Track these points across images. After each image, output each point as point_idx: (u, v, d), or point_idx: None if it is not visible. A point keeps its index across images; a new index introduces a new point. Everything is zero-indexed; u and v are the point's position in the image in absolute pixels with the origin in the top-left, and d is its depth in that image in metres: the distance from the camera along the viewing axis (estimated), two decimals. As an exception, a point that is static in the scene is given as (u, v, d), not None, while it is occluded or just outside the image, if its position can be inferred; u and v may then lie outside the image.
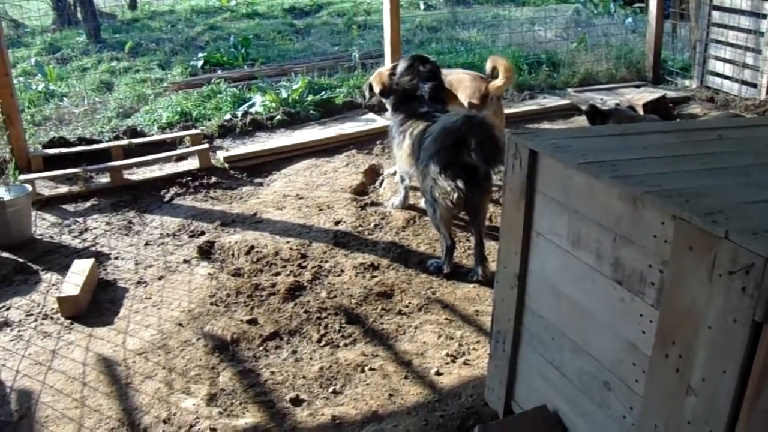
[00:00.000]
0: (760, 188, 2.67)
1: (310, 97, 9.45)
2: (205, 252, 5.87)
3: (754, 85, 9.70)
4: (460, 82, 6.80)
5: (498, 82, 6.71)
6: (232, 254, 5.80)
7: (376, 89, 6.60)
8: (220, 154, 7.88)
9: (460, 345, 4.53)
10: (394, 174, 6.94)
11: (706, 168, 2.86)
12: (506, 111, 9.07)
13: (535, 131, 3.28)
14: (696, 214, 2.28)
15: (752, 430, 2.22)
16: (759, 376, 2.16)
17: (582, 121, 8.82)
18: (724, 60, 10.15)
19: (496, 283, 3.47)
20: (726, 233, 2.17)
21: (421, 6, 17.44)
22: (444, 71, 6.91)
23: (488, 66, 6.93)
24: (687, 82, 10.81)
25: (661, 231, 2.43)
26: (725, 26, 10.06)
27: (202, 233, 6.24)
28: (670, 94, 9.88)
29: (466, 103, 6.67)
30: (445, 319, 4.82)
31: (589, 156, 2.85)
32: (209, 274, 5.52)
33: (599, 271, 2.75)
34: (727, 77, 10.19)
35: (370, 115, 8.82)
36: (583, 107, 7.74)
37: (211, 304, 5.07)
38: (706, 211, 2.31)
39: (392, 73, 6.43)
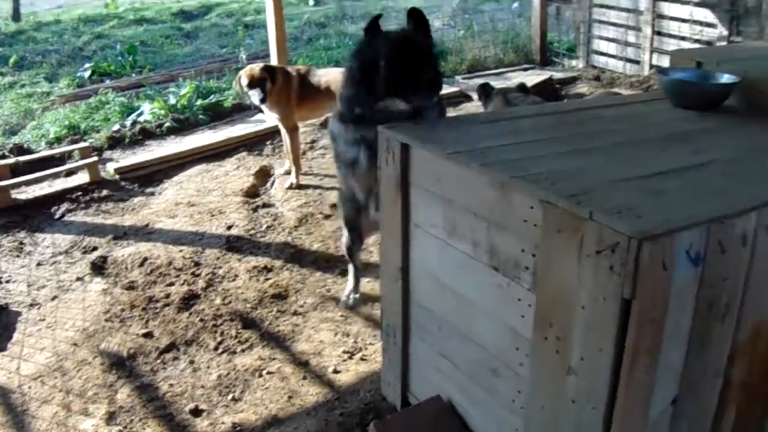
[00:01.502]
0: (629, 166, 2.73)
1: (198, 102, 9.34)
2: (98, 267, 5.74)
3: (638, 62, 9.95)
4: (338, 81, 6.68)
5: None
6: (126, 267, 5.68)
7: (244, 82, 6.62)
8: (111, 166, 7.72)
9: (356, 341, 4.53)
10: (286, 173, 6.92)
11: (576, 149, 2.91)
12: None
13: (408, 124, 3.29)
14: (561, 197, 2.31)
15: (630, 403, 2.27)
16: (632, 351, 2.20)
17: (471, 107, 8.91)
18: (608, 39, 10.40)
19: (381, 277, 3.48)
20: (590, 214, 2.20)
21: (311, 2, 17.39)
22: (319, 71, 6.95)
23: None
24: (574, 63, 11.01)
25: (531, 215, 2.45)
26: (606, 6, 10.30)
27: (95, 248, 6.10)
28: (557, 75, 10.05)
29: None
30: (341, 316, 4.81)
31: (459, 145, 2.87)
32: (103, 289, 5.40)
33: (476, 259, 2.77)
34: (611, 56, 10.45)
35: (260, 116, 8.75)
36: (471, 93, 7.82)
37: (106, 320, 4.96)
38: (572, 192, 2.34)
39: (264, 68, 6.57)
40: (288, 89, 6.77)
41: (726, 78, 3.66)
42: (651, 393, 2.31)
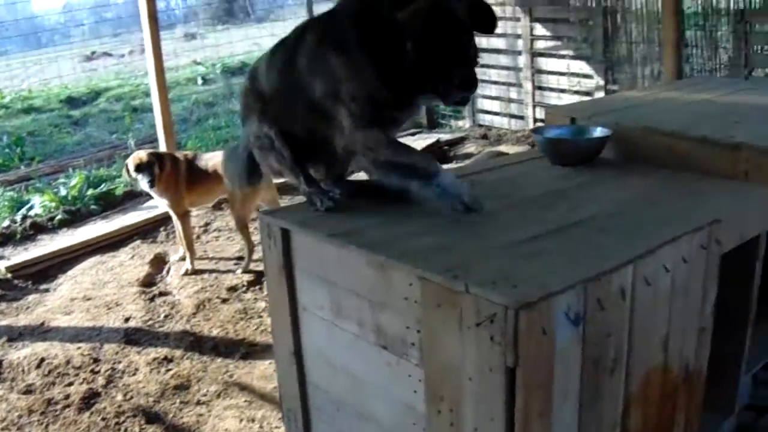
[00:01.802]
0: (506, 231, 2.75)
1: (90, 192, 9.20)
2: (-7, 373, 5.58)
3: (522, 117, 10.20)
4: None
5: None
6: (22, 370, 5.52)
7: (132, 167, 6.62)
8: (1, 264, 7.54)
9: (262, 426, 4.48)
10: (182, 259, 6.86)
11: (455, 219, 2.93)
12: (287, 178, 9.14)
13: (288, 207, 3.29)
14: (437, 272, 2.32)
15: (527, 470, 2.27)
16: (523, 417, 2.20)
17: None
18: (491, 97, 10.62)
19: (277, 362, 3.45)
20: (466, 287, 2.21)
21: (199, 82, 17.36)
22: (206, 155, 7.02)
23: None
24: (460, 123, 11.20)
25: (410, 292, 2.46)
26: (488, 66, 10.50)
27: (-11, 353, 5.94)
28: (445, 137, 10.20)
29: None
30: (245, 401, 4.75)
31: (338, 226, 2.87)
32: (-2, 396, 5.24)
33: (364, 338, 2.76)
34: (496, 113, 10.70)
35: (152, 203, 8.67)
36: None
37: (2, 429, 4.80)
38: (448, 266, 2.36)
39: (152, 154, 6.62)
40: (176, 175, 6.75)
41: (599, 131, 3.75)
42: (547, 456, 2.32)
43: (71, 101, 17.38)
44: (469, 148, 9.83)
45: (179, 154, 7.03)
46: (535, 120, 10.02)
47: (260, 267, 6.44)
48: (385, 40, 2.74)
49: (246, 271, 6.71)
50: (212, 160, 6.82)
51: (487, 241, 2.64)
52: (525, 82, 10.10)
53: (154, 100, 8.95)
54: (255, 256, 6.70)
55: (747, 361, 3.59)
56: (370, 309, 2.68)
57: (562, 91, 9.87)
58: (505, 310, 2.11)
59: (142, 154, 6.68)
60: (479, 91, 10.61)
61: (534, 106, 10.12)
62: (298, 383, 3.28)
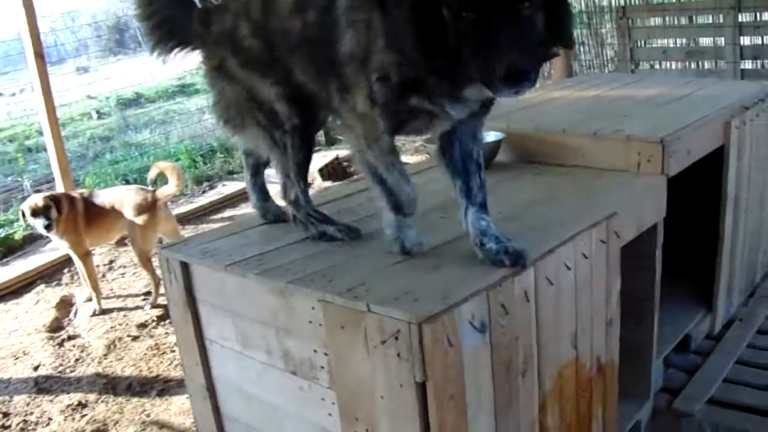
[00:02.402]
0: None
1: (-14, 239, 8.96)
2: None
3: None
4: (125, 199, 6.59)
5: (168, 189, 6.66)
6: (-72, 433, 5.34)
7: (27, 213, 6.40)
8: None
9: (184, 463, 4.40)
10: (88, 300, 6.73)
11: (353, 238, 2.92)
12: (189, 207, 9.07)
13: (186, 240, 3.21)
14: (337, 294, 2.31)
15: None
16: (439, 430, 2.20)
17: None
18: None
19: (190, 398, 3.40)
20: (368, 306, 2.21)
21: (94, 116, 17.05)
22: (101, 192, 6.90)
23: (151, 174, 6.92)
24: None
25: (314, 315, 2.44)
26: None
27: None
28: (343, 153, 10.17)
29: (133, 216, 6.51)
30: (162, 440, 4.67)
31: (236, 255, 2.84)
32: None
33: (273, 365, 2.74)
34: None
35: (53, 244, 8.48)
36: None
37: None
38: (348, 286, 2.35)
39: (47, 197, 6.39)
40: (74, 215, 6.60)
41: (492, 136, 3.78)
42: (469, 464, 2.32)
43: (-40, 145, 16.93)
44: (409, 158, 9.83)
45: (75, 194, 6.87)
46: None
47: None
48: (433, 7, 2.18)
49: (155, 305, 6.60)
50: (109, 196, 6.70)
51: (386, 258, 2.63)
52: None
53: (47, 139, 8.73)
54: (162, 290, 6.59)
55: (657, 346, 3.67)
56: (276, 336, 2.66)
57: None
58: (408, 325, 2.11)
59: (37, 199, 6.49)
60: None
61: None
62: (214, 417, 3.24)
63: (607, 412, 3.19)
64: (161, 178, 6.85)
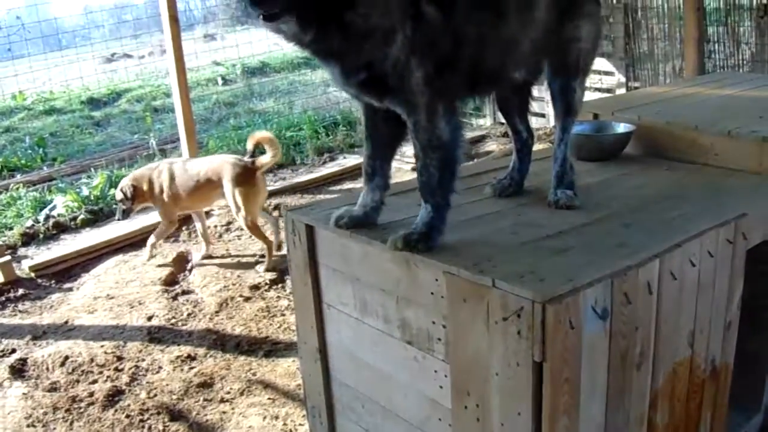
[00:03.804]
0: (531, 227, 2.76)
1: (112, 192, 9.19)
2: (18, 371, 5.59)
3: (543, 115, 10.11)
4: (224, 169, 6.80)
5: (265, 158, 6.82)
6: (47, 368, 5.55)
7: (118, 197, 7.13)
8: (26, 264, 7.57)
9: (285, 423, 4.47)
10: (205, 258, 6.90)
11: (480, 215, 2.93)
12: (308, 176, 9.17)
13: (311, 204, 3.25)
14: (464, 267, 2.33)
15: (555, 465, 2.27)
16: (550, 412, 2.21)
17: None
18: (512, 95, 10.55)
19: (301, 359, 3.46)
20: (493, 282, 2.22)
21: (219, 82, 17.37)
22: (197, 161, 7.22)
23: (249, 144, 7.04)
24: (481, 121, 11.15)
25: (437, 287, 2.46)
26: (508, 63, 10.46)
27: (13, 351, 5.95)
28: (466, 134, 10.16)
29: (234, 187, 6.71)
30: (269, 399, 4.75)
31: (363, 222, 2.87)
32: (23, 393, 5.25)
33: (389, 334, 2.77)
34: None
35: (174, 202, 8.73)
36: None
37: (28, 426, 4.82)
38: (474, 261, 2.36)
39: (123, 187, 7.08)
40: (158, 190, 7.03)
41: (622, 127, 3.74)
42: (574, 450, 2.32)
43: (92, 102, 17.43)
44: (490, 146, 9.81)
45: (164, 165, 7.23)
46: (557, 119, 9.96)
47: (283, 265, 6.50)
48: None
49: (268, 270, 6.79)
50: (206, 165, 6.97)
51: (511, 238, 2.64)
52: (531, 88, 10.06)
53: (176, 100, 8.98)
54: (278, 253, 6.86)
55: (774, 359, 3.57)
56: (396, 304, 2.69)
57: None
58: (532, 304, 2.11)
59: (117, 189, 7.15)
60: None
61: (556, 106, 10.05)
62: (323, 380, 3.29)
63: (716, 418, 3.14)
64: (258, 149, 6.98)
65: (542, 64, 3.08)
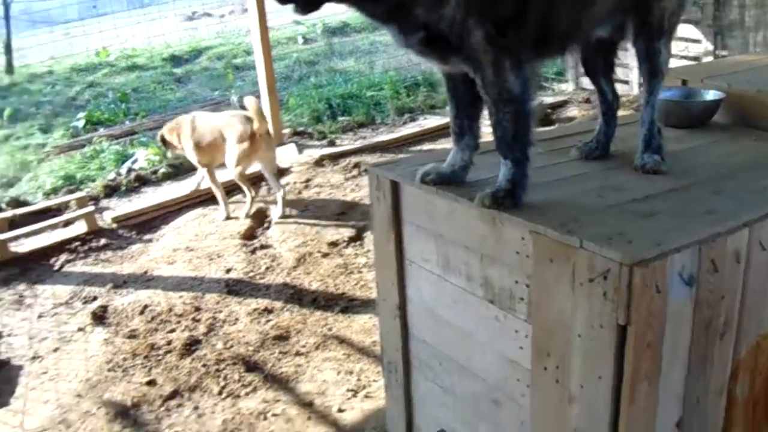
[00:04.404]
0: (618, 191, 2.73)
1: (192, 146, 9.35)
2: (99, 317, 5.74)
3: (626, 82, 9.98)
4: (229, 127, 7.22)
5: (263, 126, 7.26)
6: (126, 316, 5.68)
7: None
8: (108, 215, 7.73)
9: (360, 379, 4.52)
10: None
11: (565, 176, 2.91)
12: (389, 136, 9.18)
13: (400, 158, 3.25)
14: (551, 227, 2.31)
15: (633, 428, 2.26)
16: (631, 376, 2.19)
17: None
18: (596, 61, 10.41)
19: (380, 315, 3.47)
20: (580, 242, 2.20)
21: (299, 40, 17.41)
22: (216, 115, 7.62)
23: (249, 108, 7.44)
24: (563, 86, 11.04)
25: (522, 247, 2.45)
26: (592, 28, 10.32)
27: (95, 298, 6.11)
28: (548, 99, 10.08)
29: (235, 143, 7.13)
30: (343, 354, 4.81)
31: (449, 179, 2.87)
32: (104, 339, 5.40)
33: (471, 292, 2.77)
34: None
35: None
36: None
37: (109, 370, 4.96)
38: (561, 221, 2.34)
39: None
40: (183, 140, 7.59)
41: (712, 95, 3.67)
42: (654, 417, 2.30)
43: (174, 59, 17.61)
44: (572, 111, 9.71)
45: (188, 117, 7.73)
46: (640, 85, 9.79)
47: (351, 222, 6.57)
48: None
49: (248, 216, 7.35)
50: (218, 123, 7.39)
51: (598, 200, 2.61)
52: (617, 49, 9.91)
53: (257, 57, 9.06)
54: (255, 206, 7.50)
55: None
56: (479, 263, 2.68)
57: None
58: (619, 266, 2.10)
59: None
60: (569, 54, 10.47)
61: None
62: (401, 337, 3.30)
63: (799, 394, 3.09)
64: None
65: (625, 23, 3.03)
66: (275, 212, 7.25)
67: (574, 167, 3.04)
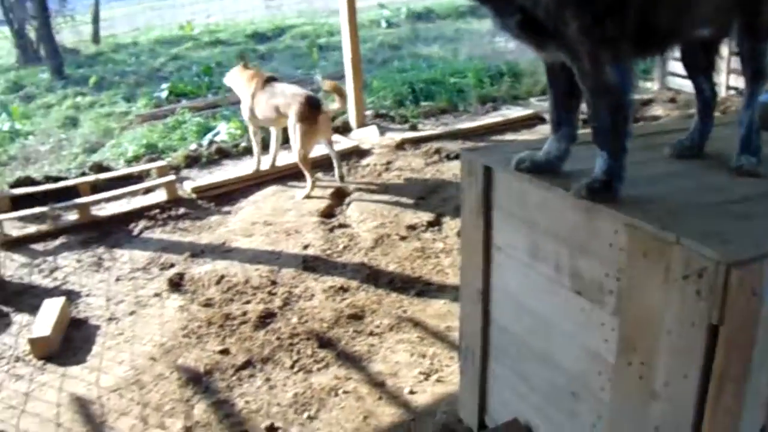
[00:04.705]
0: (712, 190, 2.70)
1: (274, 122, 9.44)
2: (176, 284, 5.83)
3: (714, 84, 9.79)
4: (293, 103, 7.32)
5: (334, 106, 7.52)
6: (203, 285, 5.76)
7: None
8: (187, 185, 7.84)
9: (432, 362, 4.52)
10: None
11: (660, 173, 2.88)
12: (470, 124, 9.16)
13: (488, 146, 3.23)
14: (647, 221, 2.29)
15: (716, 431, 2.23)
16: (719, 378, 2.17)
17: (545, 130, 8.86)
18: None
19: (461, 300, 3.48)
20: (677, 238, 2.18)
21: (383, 24, 17.46)
22: (281, 86, 7.69)
23: (325, 87, 7.81)
24: (649, 85, 10.89)
25: (615, 239, 2.43)
26: (682, 28, 10.15)
27: (172, 265, 6.21)
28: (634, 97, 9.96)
29: (296, 122, 7.26)
30: (417, 337, 4.80)
31: (546, 168, 2.86)
32: (180, 306, 5.48)
33: (559, 282, 2.76)
34: (686, 77, 10.28)
35: (335, 136, 8.82)
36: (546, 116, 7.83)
37: (183, 336, 5.03)
38: (657, 216, 2.32)
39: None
40: (246, 91, 7.85)
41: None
42: (738, 420, 2.27)
43: (256, 36, 17.83)
44: (656, 110, 9.57)
45: (261, 77, 7.83)
46: (728, 87, 9.62)
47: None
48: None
49: (306, 197, 7.40)
50: (283, 93, 7.51)
51: (695, 199, 2.59)
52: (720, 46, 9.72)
53: (344, 38, 9.11)
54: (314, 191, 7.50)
55: None
56: (570, 253, 2.67)
57: (761, 57, 9.44)
58: (716, 265, 2.07)
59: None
60: (670, 53, 10.32)
61: (728, 73, 9.67)
62: (482, 322, 3.31)
63: None
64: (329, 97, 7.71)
65: (730, 22, 2.98)
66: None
67: (668, 165, 3.01)
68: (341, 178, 7.66)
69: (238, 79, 7.93)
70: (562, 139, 2.85)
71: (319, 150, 8.01)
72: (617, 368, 2.53)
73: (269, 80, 7.73)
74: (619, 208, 2.44)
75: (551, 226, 2.76)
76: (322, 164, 8.00)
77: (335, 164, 7.71)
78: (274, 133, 7.96)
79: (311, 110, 7.23)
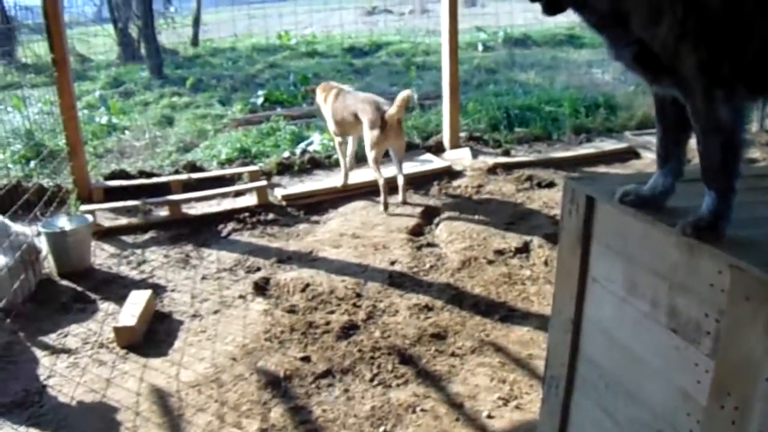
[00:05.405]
0: (821, 238, 2.65)
1: (366, 136, 9.52)
2: (261, 288, 5.92)
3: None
4: (365, 110, 7.57)
5: (390, 111, 7.45)
6: (288, 291, 5.84)
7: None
8: (278, 192, 7.96)
9: (512, 389, 4.50)
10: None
11: (766, 216, 2.84)
12: (563, 153, 9.11)
13: (592, 176, 3.22)
14: (753, 264, 2.26)
15: (808, 484, 2.20)
16: (817, 430, 2.14)
17: (639, 164, 8.79)
18: (785, 103, 10.05)
19: (551, 328, 3.46)
20: (783, 283, 2.16)
21: (480, 47, 17.48)
22: (354, 96, 7.94)
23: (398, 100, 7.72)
24: (746, 126, 10.71)
25: (718, 280, 2.41)
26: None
27: (258, 269, 6.31)
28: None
29: (369, 129, 7.51)
30: (498, 362, 4.79)
31: (648, 202, 2.84)
32: (264, 310, 5.56)
33: (654, 318, 2.73)
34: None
35: (427, 155, 8.87)
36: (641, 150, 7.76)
37: (265, 339, 5.11)
38: (764, 260, 2.30)
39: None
40: (324, 101, 8.17)
41: None
42: (831, 475, 2.24)
43: (353, 50, 18.02)
44: (755, 153, 9.38)
45: (339, 87, 8.21)
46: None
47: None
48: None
49: (384, 205, 7.61)
50: (357, 102, 7.75)
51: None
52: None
53: (444, 59, 9.18)
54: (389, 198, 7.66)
55: None
56: (668, 290, 2.65)
57: None
58: (823, 314, 2.05)
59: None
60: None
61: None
62: (570, 352, 3.28)
63: None
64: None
65: None
66: (398, 197, 7.70)
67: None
68: (403, 202, 7.78)
69: (319, 97, 8.23)
70: (668, 174, 2.83)
71: (411, 167, 8.07)
72: (708, 411, 2.50)
73: (341, 91, 8.01)
74: (724, 248, 2.41)
75: (651, 262, 2.74)
76: (414, 182, 8.05)
77: (399, 183, 7.79)
78: (350, 148, 8.20)
79: (381, 115, 7.43)
